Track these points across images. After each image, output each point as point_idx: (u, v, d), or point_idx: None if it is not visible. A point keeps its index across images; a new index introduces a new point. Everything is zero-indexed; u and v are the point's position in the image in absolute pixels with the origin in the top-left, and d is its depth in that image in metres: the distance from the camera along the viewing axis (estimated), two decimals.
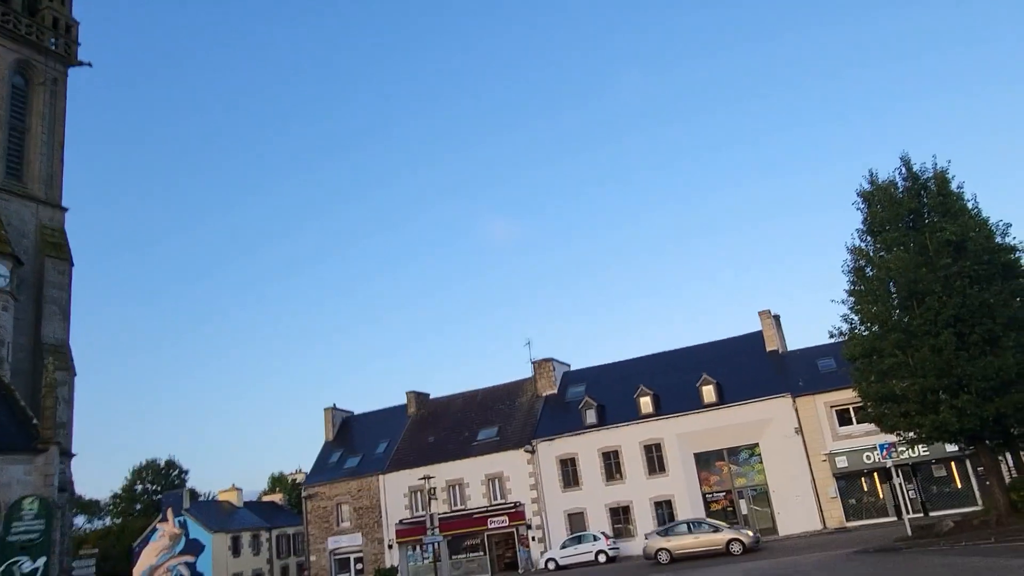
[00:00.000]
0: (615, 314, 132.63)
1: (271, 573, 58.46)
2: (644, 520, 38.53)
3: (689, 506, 37.86)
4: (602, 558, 36.07)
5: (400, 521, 43.47)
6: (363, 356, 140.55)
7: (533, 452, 41.58)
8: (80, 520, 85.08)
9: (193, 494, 78.23)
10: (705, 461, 38.88)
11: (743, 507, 37.74)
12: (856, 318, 22.05)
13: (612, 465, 40.11)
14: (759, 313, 42.11)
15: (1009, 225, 20.00)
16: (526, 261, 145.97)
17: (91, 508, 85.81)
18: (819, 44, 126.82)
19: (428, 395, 50.92)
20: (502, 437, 43.57)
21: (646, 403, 40.21)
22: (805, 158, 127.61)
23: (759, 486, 37.61)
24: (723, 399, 38.73)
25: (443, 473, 43.33)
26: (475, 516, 41.95)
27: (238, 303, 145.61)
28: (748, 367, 40.20)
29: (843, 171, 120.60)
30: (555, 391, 45.27)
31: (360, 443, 49.50)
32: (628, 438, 39.85)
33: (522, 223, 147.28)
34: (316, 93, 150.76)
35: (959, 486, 34.29)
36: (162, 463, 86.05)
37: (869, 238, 21.99)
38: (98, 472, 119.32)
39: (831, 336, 22.33)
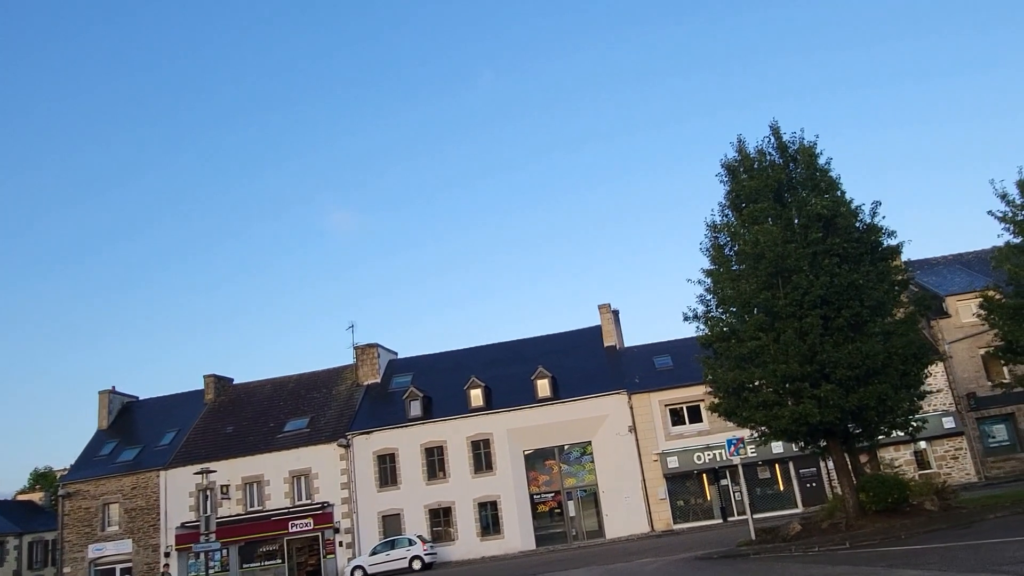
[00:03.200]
0: (450, 304, 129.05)
1: None
2: (467, 522, 35.23)
3: (516, 507, 35.07)
4: (417, 564, 32.28)
5: (182, 524, 36.98)
6: (163, 338, 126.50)
7: (347, 447, 36.93)
8: None
9: None
10: (535, 459, 36.28)
11: (571, 508, 35.53)
12: (713, 299, 20.04)
13: (436, 462, 36.43)
14: (599, 307, 40.44)
15: (879, 203, 18.81)
16: (361, 250, 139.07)
17: None
18: (674, 42, 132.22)
19: (231, 380, 44.54)
20: (313, 429, 38.47)
21: (476, 396, 36.99)
22: (653, 157, 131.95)
23: (589, 487, 35.57)
24: (557, 394, 36.41)
25: (240, 469, 37.50)
26: (275, 519, 36.49)
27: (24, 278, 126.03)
28: (585, 362, 38.26)
29: (688, 171, 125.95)
30: (378, 380, 40.88)
31: (142, 433, 42.12)
32: (455, 433, 36.39)
33: (363, 216, 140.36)
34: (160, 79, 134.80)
35: (781, 488, 34.18)
36: None
37: (731, 213, 20.11)
38: None
39: (685, 319, 20.17)
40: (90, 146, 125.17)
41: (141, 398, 45.72)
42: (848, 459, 19.97)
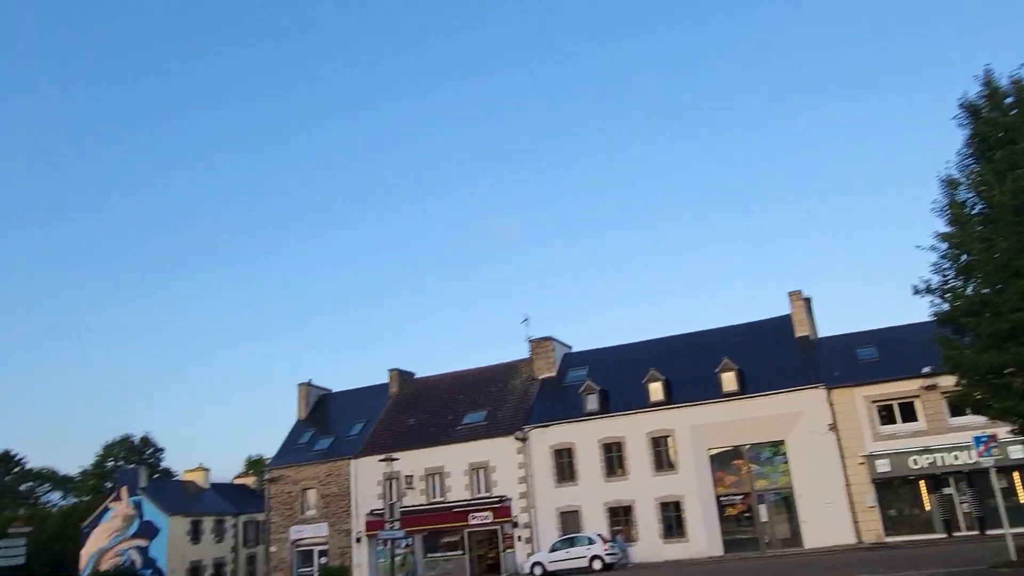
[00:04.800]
0: (626, 295, 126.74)
1: (235, 563, 53.51)
2: (648, 523, 33.54)
3: (701, 509, 32.86)
4: (597, 564, 31.05)
5: (371, 511, 38.46)
6: (353, 334, 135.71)
7: (524, 440, 36.57)
8: (56, 496, 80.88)
9: (167, 473, 73.80)
10: (721, 459, 33.80)
11: (763, 513, 32.66)
12: (952, 267, 16.91)
13: (614, 459, 35.08)
14: (789, 294, 36.98)
15: None
16: (529, 244, 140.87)
17: (63, 484, 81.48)
18: None
19: (413, 374, 45.99)
20: (490, 422, 38.58)
21: (656, 389, 35.16)
22: (841, 132, 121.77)
23: (783, 490, 32.52)
24: (745, 388, 33.68)
25: (422, 460, 38.42)
26: (455, 510, 36.96)
27: (219, 276, 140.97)
28: (774, 354, 35.11)
29: (888, 143, 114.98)
30: (553, 374, 40.24)
31: (334, 424, 44.60)
32: (634, 429, 34.82)
33: (523, 218, 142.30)
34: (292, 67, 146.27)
35: (1022, 500, 29.12)
36: (137, 440, 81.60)
37: (976, 162, 16.82)
38: (75, 445, 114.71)
39: (915, 292, 17.14)
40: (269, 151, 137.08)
41: (334, 391, 48.46)
42: None
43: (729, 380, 33.89)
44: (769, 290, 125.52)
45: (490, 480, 36.98)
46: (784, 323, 36.86)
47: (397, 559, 24.57)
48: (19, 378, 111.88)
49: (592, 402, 36.21)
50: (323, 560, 39.27)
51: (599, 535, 32.53)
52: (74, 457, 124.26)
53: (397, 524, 23.32)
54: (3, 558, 32.36)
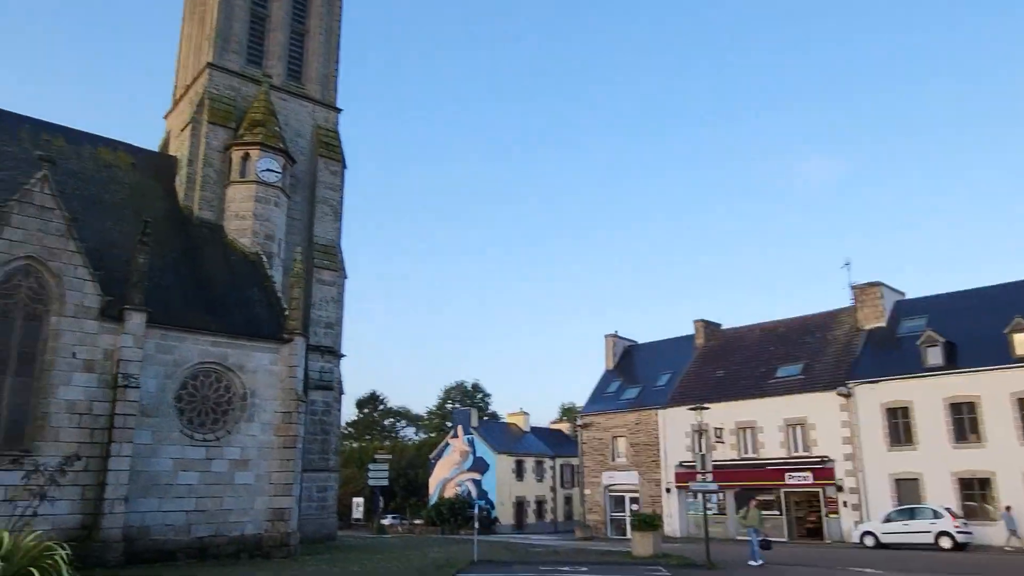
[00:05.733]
0: (965, 237, 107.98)
1: (554, 501, 57.32)
2: (1017, 500, 27.94)
3: None
4: (945, 542, 26.85)
5: (680, 463, 38.06)
6: (655, 285, 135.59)
7: (849, 396, 32.87)
8: (411, 431, 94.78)
9: (494, 416, 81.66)
10: None
11: None
12: None
13: (965, 421, 29.87)
14: None
15: None
16: (847, 188, 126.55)
17: (415, 421, 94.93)
18: None
19: (719, 325, 44.12)
20: (808, 376, 35.37)
21: (1022, 341, 29.00)
22: None
23: None
24: None
25: (732, 413, 36.74)
26: (770, 468, 34.80)
27: (538, 224, 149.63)
28: None
29: None
30: (883, 324, 35.43)
31: (641, 374, 44.79)
32: (993, 388, 29.18)
33: (842, 157, 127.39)
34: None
35: None
36: (469, 385, 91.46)
37: None
38: (419, 389, 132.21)
39: None
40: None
41: (639, 342, 48.66)
42: None
43: None
44: None
45: (808, 438, 34.05)
46: None
47: (740, 513, 23.70)
48: (383, 328, 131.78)
49: (934, 355, 31.13)
50: (635, 507, 39.93)
51: (947, 509, 28.08)
52: (422, 398, 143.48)
53: (709, 476, 22.39)
54: (373, 477, 38.51)
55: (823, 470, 33.08)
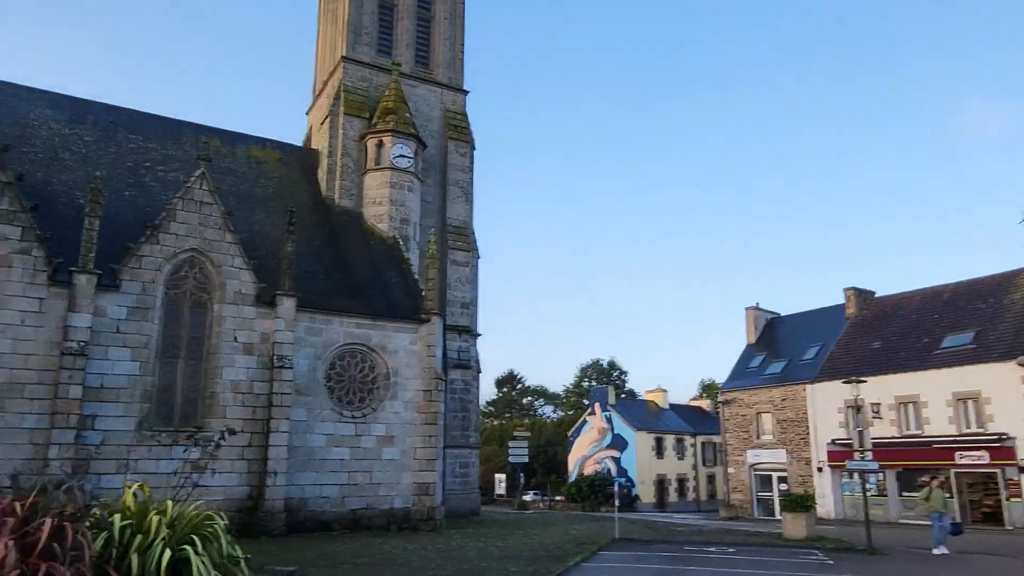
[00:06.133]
0: None
1: (695, 479, 55.96)
2: None
3: None
4: None
5: (832, 441, 35.80)
6: (796, 253, 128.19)
7: None
8: (548, 409, 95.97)
9: (631, 393, 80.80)
10: None
11: None
12: None
13: None
14: None
15: None
16: (1017, 135, 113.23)
17: (553, 399, 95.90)
18: None
19: (873, 293, 40.97)
20: (980, 345, 32.07)
21: None
22: None
23: None
24: None
25: (891, 387, 34.00)
26: (936, 446, 31.96)
27: (665, 201, 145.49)
28: None
29: None
30: None
31: (786, 347, 42.49)
32: None
33: (1006, 103, 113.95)
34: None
35: None
36: (605, 363, 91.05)
37: None
38: (556, 367, 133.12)
39: None
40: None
41: (782, 314, 46.21)
42: None
43: None
44: None
45: (983, 414, 30.93)
46: None
47: (921, 493, 21.59)
48: (518, 308, 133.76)
49: None
50: (783, 487, 38.13)
51: None
52: (559, 377, 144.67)
53: (868, 455, 20.81)
54: (513, 454, 39.27)
55: (1001, 449, 29.96)
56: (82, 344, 17.89)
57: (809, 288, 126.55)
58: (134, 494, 6.08)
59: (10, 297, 17.76)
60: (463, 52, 35.07)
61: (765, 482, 39.90)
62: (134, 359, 19.02)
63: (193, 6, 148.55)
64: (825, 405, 36.38)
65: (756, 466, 40.36)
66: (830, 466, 35.77)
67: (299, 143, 33.76)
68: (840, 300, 41.51)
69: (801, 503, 22.83)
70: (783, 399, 39.20)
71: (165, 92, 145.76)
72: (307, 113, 35.96)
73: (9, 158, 19.93)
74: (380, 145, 29.30)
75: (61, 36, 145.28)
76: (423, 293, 24.96)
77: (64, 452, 16.99)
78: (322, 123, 31.48)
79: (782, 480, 38.72)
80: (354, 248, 26.87)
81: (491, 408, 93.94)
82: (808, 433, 37.43)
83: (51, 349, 17.85)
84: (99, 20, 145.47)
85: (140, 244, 19.83)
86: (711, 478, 56.81)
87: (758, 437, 40.42)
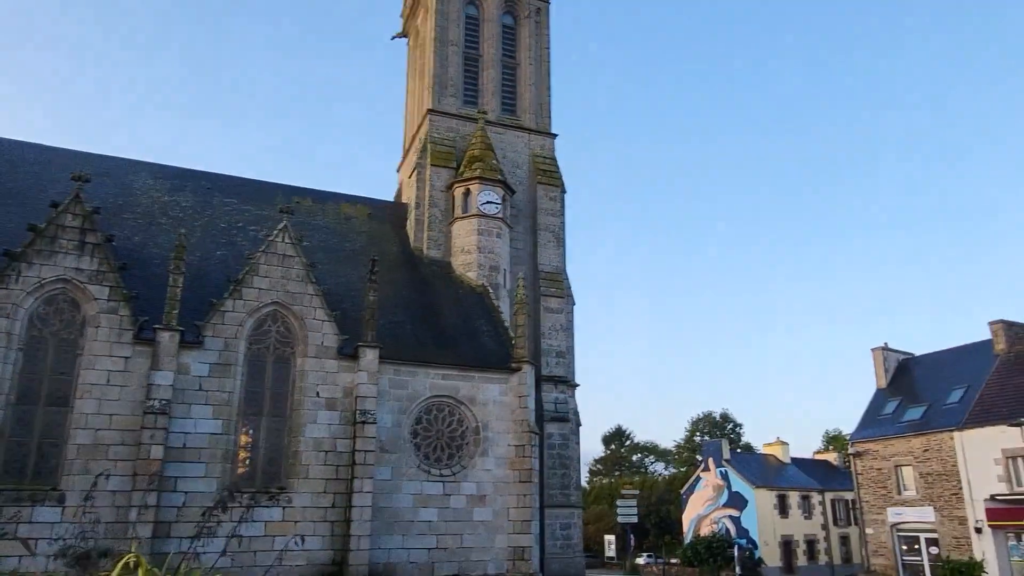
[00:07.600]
0: None
1: (827, 540, 50.63)
2: None
3: None
4: None
5: (992, 496, 31.08)
6: (926, 287, 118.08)
7: None
8: (659, 466, 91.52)
9: (748, 447, 75.49)
10: None
11: None
12: None
13: None
14: None
15: None
16: None
17: (664, 455, 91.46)
18: None
19: None
20: None
21: None
22: None
23: None
24: None
25: None
26: None
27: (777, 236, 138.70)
28: None
29: None
30: None
31: (924, 390, 37.99)
32: None
33: None
34: None
35: None
36: (717, 416, 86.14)
37: None
38: (665, 421, 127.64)
39: None
40: None
41: (916, 354, 41.70)
42: None
43: None
44: None
45: None
46: None
47: None
48: (622, 360, 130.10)
49: None
50: (933, 550, 33.44)
51: None
52: (668, 432, 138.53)
53: None
54: (622, 513, 36.68)
55: None
56: (163, 402, 17.53)
57: (943, 324, 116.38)
58: None
59: (97, 357, 17.73)
60: (550, 96, 34.36)
61: (911, 544, 35.17)
62: (216, 416, 18.51)
63: (301, 80, 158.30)
64: (978, 454, 31.85)
65: (899, 526, 35.74)
66: (990, 526, 31.01)
67: (391, 199, 33.74)
68: (985, 335, 36.89)
69: (968, 573, 19.31)
70: (925, 449, 34.76)
71: (269, 162, 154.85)
72: (397, 170, 36.05)
73: (105, 222, 20.39)
74: (467, 193, 28.66)
75: (174, 112, 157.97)
76: (513, 341, 23.60)
77: (144, 515, 16.43)
78: (410, 176, 31.28)
79: (931, 543, 33.99)
80: (442, 298, 25.98)
81: (599, 466, 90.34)
82: (960, 488, 32.83)
83: (135, 408, 17.59)
84: (210, 93, 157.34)
85: (223, 299, 19.59)
86: (844, 539, 51.30)
87: (899, 493, 35.92)
